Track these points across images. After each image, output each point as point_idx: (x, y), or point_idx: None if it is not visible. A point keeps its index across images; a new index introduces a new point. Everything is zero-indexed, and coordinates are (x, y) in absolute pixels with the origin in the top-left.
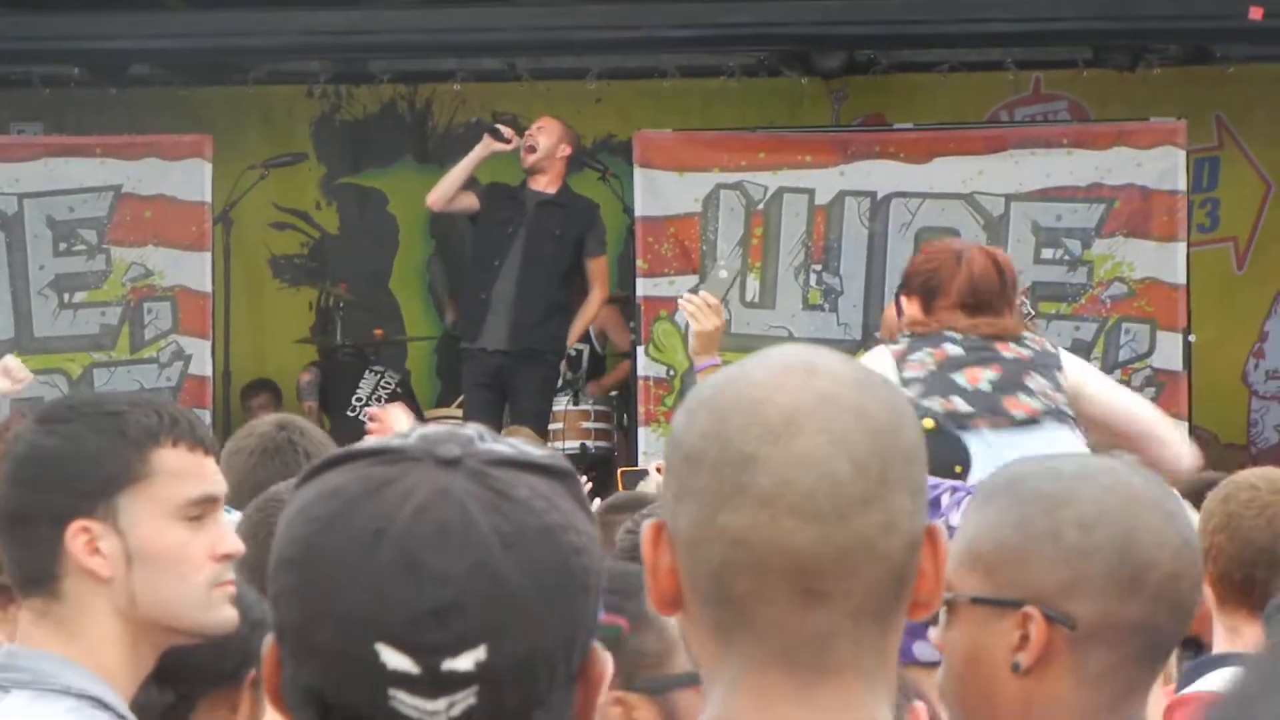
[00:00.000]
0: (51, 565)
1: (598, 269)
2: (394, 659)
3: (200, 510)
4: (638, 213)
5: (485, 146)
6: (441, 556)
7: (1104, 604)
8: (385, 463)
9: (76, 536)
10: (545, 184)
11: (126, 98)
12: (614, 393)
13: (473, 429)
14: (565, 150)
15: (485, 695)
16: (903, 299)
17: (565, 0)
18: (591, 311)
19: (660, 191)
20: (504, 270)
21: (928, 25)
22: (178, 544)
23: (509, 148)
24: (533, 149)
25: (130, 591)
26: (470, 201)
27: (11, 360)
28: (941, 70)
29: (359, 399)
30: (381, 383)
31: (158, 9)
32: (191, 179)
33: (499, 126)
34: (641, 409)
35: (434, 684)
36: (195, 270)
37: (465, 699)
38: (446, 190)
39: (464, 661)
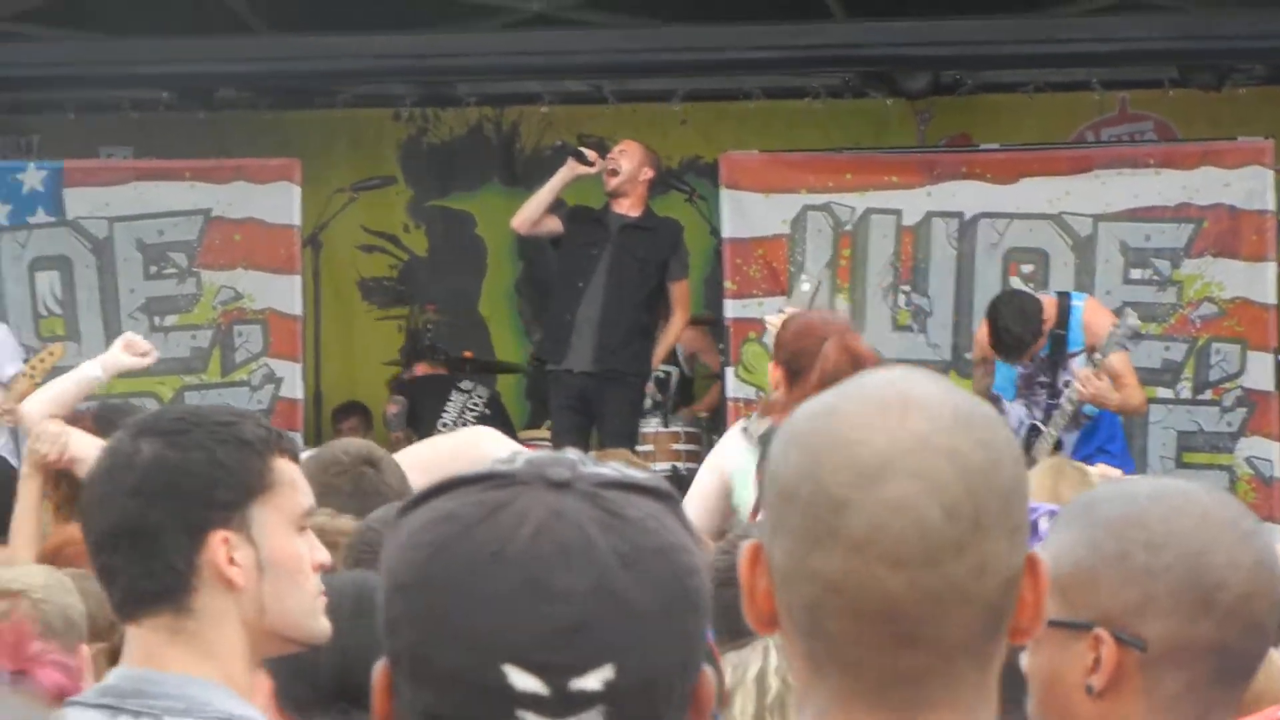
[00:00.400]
0: (184, 579)
1: (680, 292)
2: (522, 680)
3: (306, 521)
4: (725, 234)
5: (570, 170)
6: (564, 576)
7: (1174, 625)
8: (496, 487)
9: (219, 548)
10: (628, 207)
11: (215, 121)
12: (703, 414)
13: (574, 453)
14: (648, 173)
15: (611, 716)
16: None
17: (650, 23)
18: (674, 334)
19: (747, 213)
20: (588, 293)
21: (1014, 46)
22: (298, 554)
23: (593, 170)
24: (615, 172)
25: (260, 602)
26: (554, 224)
27: (132, 335)
28: (1027, 91)
29: (445, 423)
30: (469, 403)
31: (245, 33)
32: (280, 202)
33: (583, 150)
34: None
35: (562, 704)
36: (285, 293)
37: None
38: (532, 213)
39: (592, 681)
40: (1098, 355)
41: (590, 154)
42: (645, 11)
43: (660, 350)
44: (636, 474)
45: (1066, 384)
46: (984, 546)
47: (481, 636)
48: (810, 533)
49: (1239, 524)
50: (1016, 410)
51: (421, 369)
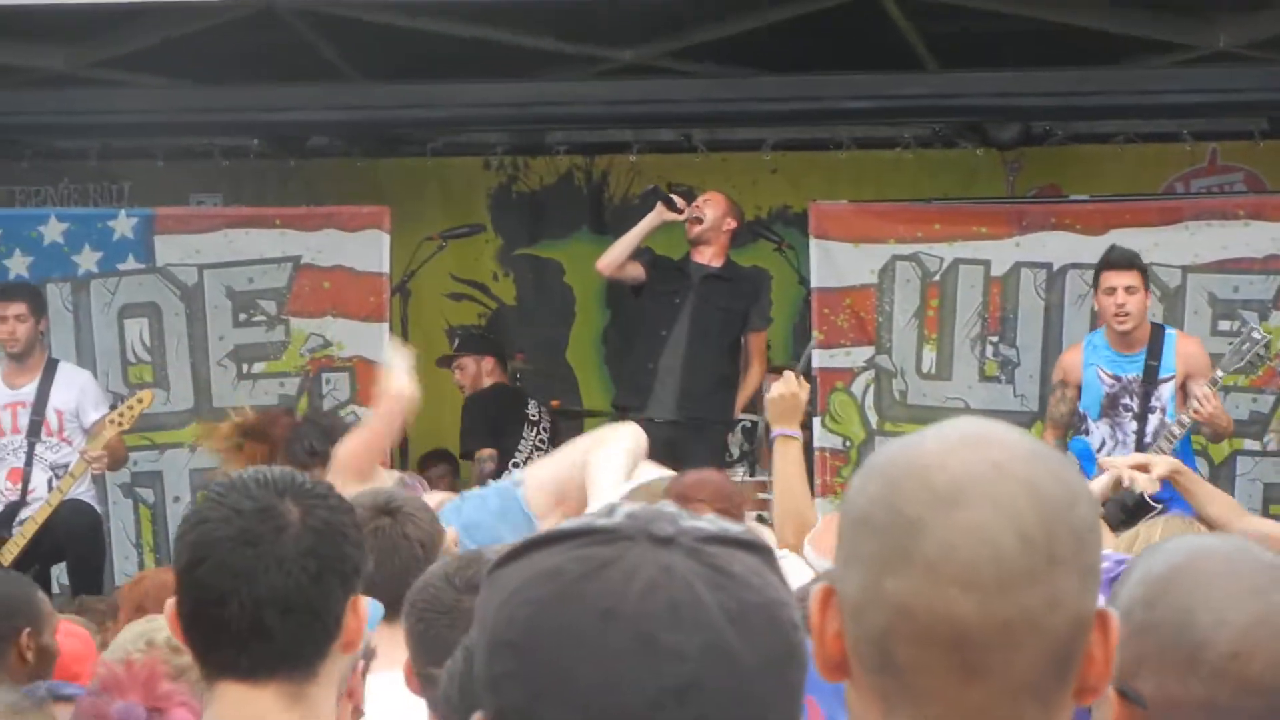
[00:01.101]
0: (329, 641)
1: (757, 344)
2: None
3: None
4: (813, 284)
5: (658, 215)
6: (675, 635)
7: (1165, 683)
8: (600, 542)
9: (356, 608)
10: (710, 256)
11: (305, 169)
12: None
13: (671, 506)
14: (730, 224)
15: None
16: None
17: (741, 72)
18: (752, 385)
19: (836, 263)
20: (670, 342)
21: (1104, 97)
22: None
23: (681, 217)
24: (699, 220)
25: (355, 659)
26: (637, 271)
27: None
28: (1117, 142)
29: (517, 463)
30: (538, 440)
31: (336, 81)
32: (370, 250)
33: (673, 196)
34: (818, 480)
35: None
36: (373, 341)
37: None
38: (617, 256)
39: None
40: (1219, 372)
41: (679, 200)
42: (736, 61)
43: (740, 400)
44: (733, 528)
45: (1151, 409)
46: (1056, 580)
47: (593, 696)
48: (884, 558)
49: (1250, 579)
50: (1100, 430)
51: (489, 370)
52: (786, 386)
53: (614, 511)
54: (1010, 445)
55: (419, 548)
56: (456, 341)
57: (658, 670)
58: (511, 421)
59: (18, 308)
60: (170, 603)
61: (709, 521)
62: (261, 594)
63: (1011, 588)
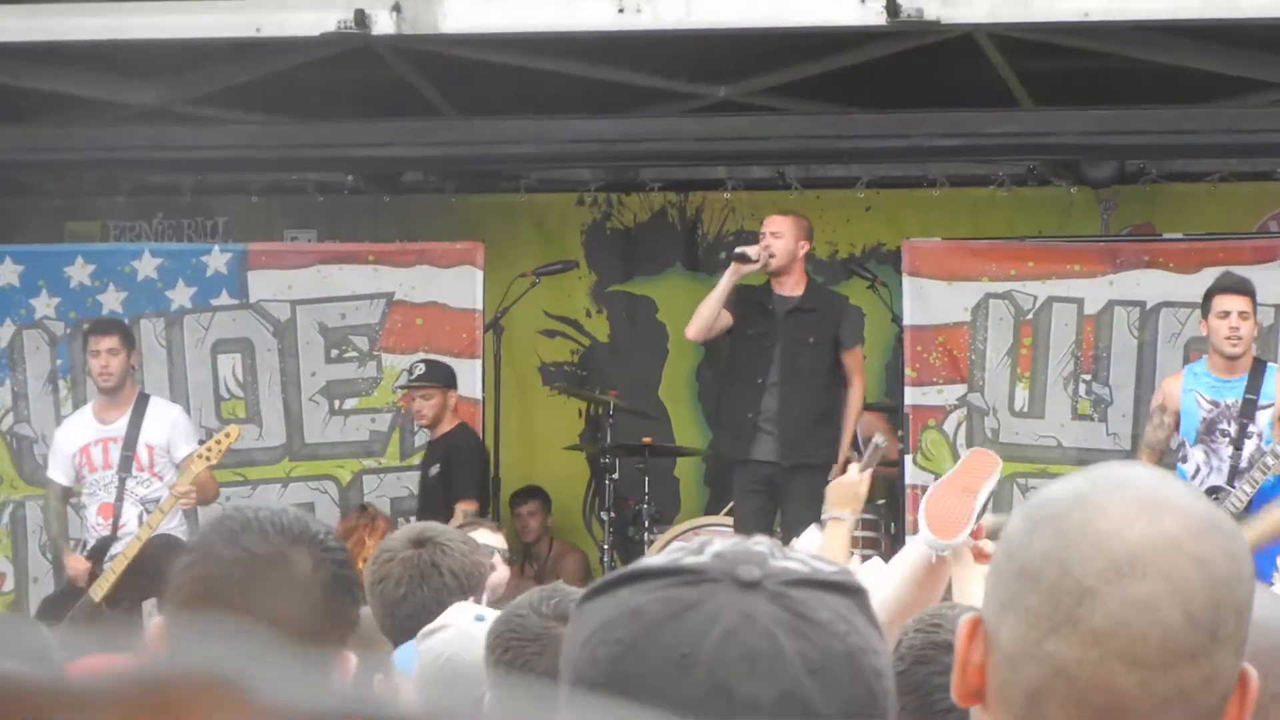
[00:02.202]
0: None
1: (854, 361)
2: None
3: None
4: (906, 321)
5: (734, 272)
6: (751, 684)
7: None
8: (686, 584)
9: (346, 662)
10: (790, 286)
11: (399, 205)
12: (881, 501)
13: (763, 543)
14: (804, 246)
15: None
16: None
17: (835, 109)
18: (855, 408)
19: (929, 300)
20: (767, 388)
21: (1198, 136)
22: None
23: (756, 267)
24: (773, 255)
25: None
26: (725, 320)
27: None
28: (1211, 180)
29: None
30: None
31: (431, 116)
32: (463, 286)
33: (745, 251)
34: (909, 518)
35: None
36: (466, 377)
37: None
38: (705, 321)
39: None
40: None
41: (753, 251)
42: (830, 98)
43: (848, 431)
44: (825, 568)
45: (1248, 435)
46: (1215, 657)
47: None
48: (1049, 617)
49: None
50: (1196, 456)
51: (453, 406)
52: (849, 477)
53: (704, 549)
54: (1185, 514)
55: (450, 576)
56: (421, 369)
57: (731, 719)
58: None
59: (110, 341)
60: (158, 625)
61: (801, 561)
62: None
63: (1174, 665)
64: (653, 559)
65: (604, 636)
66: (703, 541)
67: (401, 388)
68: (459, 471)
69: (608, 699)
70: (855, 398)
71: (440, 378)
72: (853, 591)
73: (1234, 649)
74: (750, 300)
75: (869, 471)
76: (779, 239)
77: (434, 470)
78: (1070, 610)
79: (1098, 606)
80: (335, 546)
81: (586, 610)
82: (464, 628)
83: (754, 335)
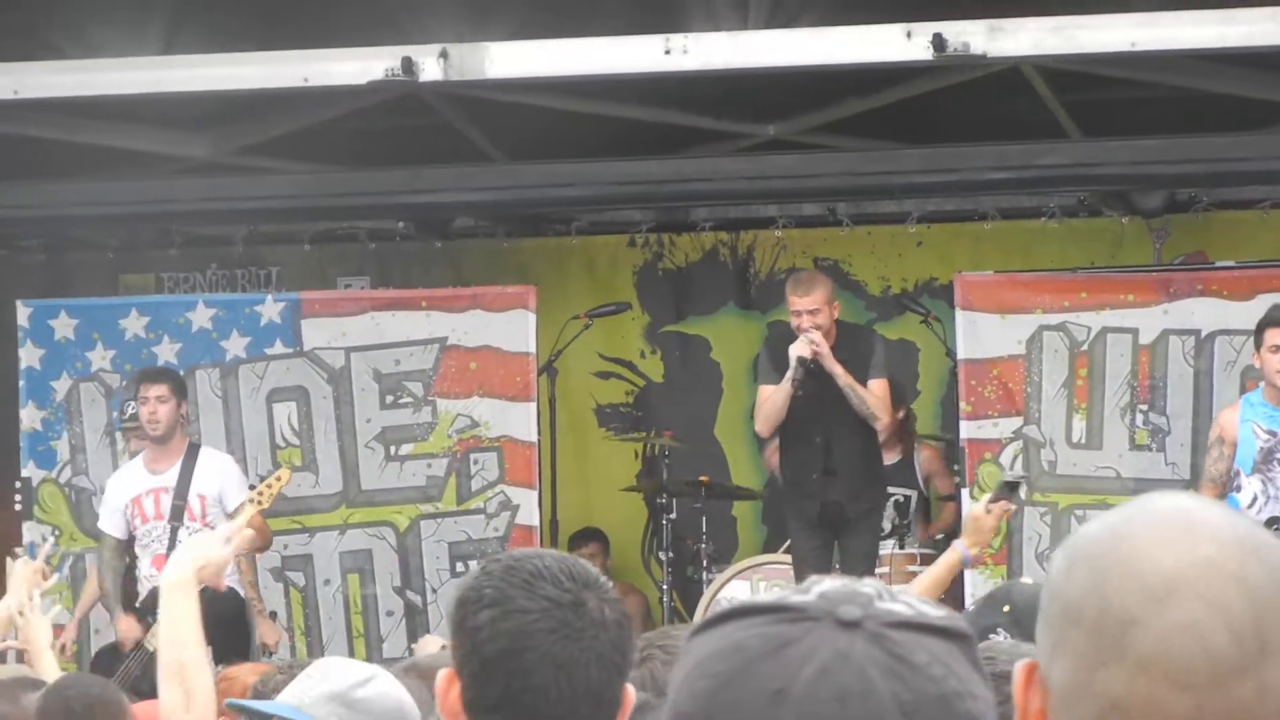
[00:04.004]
0: None
1: (880, 393)
2: None
3: None
4: (960, 355)
5: (790, 383)
6: None
7: None
8: (787, 621)
9: (627, 693)
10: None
11: (450, 250)
12: (939, 536)
13: (872, 585)
14: (836, 306)
15: None
16: None
17: (884, 145)
18: (884, 436)
19: (982, 334)
20: (823, 447)
21: (1249, 163)
22: None
23: (816, 352)
24: (817, 347)
25: None
26: (787, 397)
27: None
28: (1263, 207)
29: None
30: None
31: (481, 162)
32: (516, 330)
33: (801, 359)
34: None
35: None
36: (521, 420)
37: None
38: (772, 419)
39: None
40: None
41: (808, 352)
42: (879, 133)
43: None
44: (931, 612)
45: None
46: (1266, 671)
47: None
48: (1096, 651)
49: None
50: (1252, 486)
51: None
52: (978, 509)
53: (811, 588)
54: (1220, 535)
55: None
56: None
57: None
58: None
59: (159, 389)
60: (447, 676)
61: (906, 604)
62: (579, 688)
63: (1224, 683)
64: (760, 596)
65: (704, 670)
66: (812, 580)
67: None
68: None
69: None
70: (882, 428)
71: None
72: (957, 637)
73: None
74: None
75: (998, 505)
76: (817, 316)
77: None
78: (1115, 642)
79: (1141, 635)
80: (610, 587)
81: (694, 645)
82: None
83: (804, 398)
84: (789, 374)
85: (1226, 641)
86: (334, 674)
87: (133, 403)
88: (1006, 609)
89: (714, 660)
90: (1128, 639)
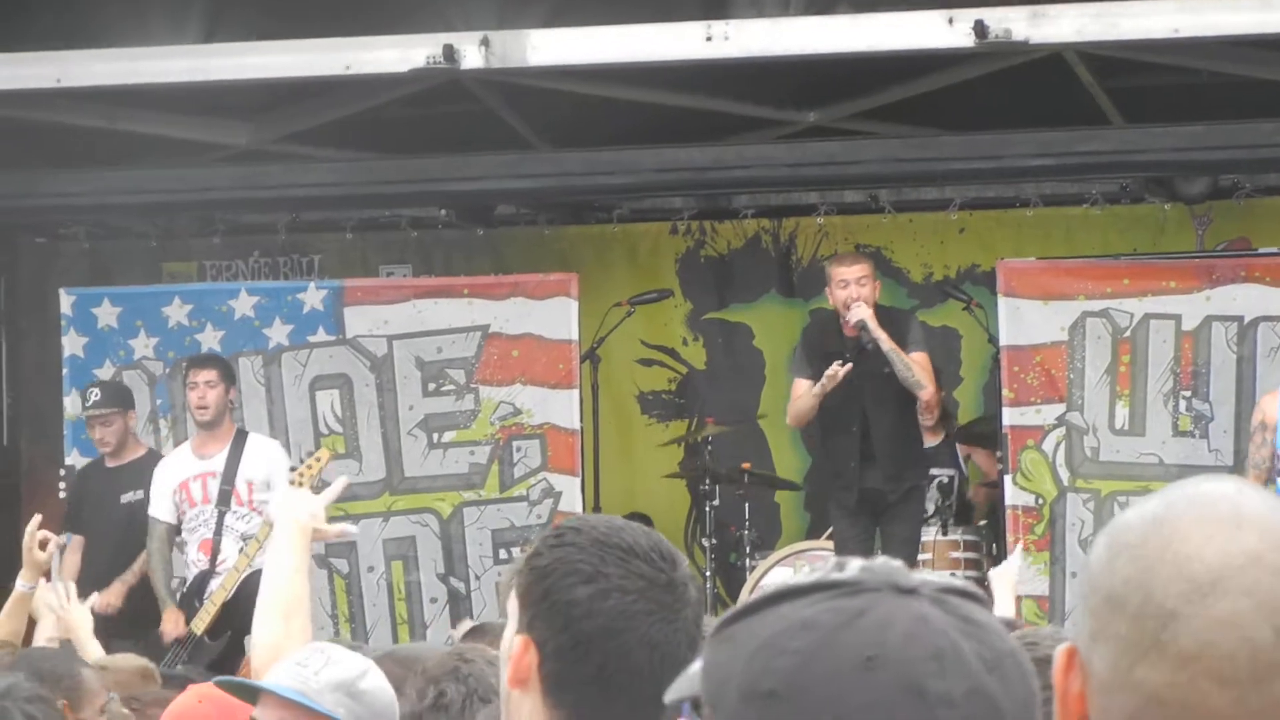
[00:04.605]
0: None
1: (923, 365)
2: None
3: None
4: (1003, 342)
5: (830, 379)
6: (941, 681)
7: None
8: (846, 594)
9: None
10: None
11: (493, 238)
12: (982, 522)
13: (893, 561)
14: (878, 286)
15: None
16: None
17: (925, 132)
18: (930, 409)
19: (1025, 320)
20: (861, 434)
21: None
22: None
23: (874, 337)
24: (865, 325)
25: None
26: (821, 390)
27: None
28: None
29: None
30: None
31: (523, 150)
32: (558, 317)
33: (864, 339)
34: (1010, 538)
35: None
36: (564, 408)
37: None
38: (802, 417)
39: None
40: None
41: (868, 313)
42: (921, 120)
43: (926, 423)
44: (955, 581)
45: None
46: None
47: None
48: (1137, 645)
49: None
50: None
51: (133, 426)
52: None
53: (844, 566)
54: (1266, 525)
55: None
56: (97, 395)
57: (930, 715)
58: None
59: (208, 374)
60: (522, 642)
61: (934, 575)
62: (670, 668)
63: (1266, 680)
64: (796, 580)
65: (778, 648)
66: (839, 561)
67: (80, 417)
68: None
69: (794, 702)
70: (928, 398)
71: (118, 400)
72: (985, 601)
73: None
74: (827, 351)
75: None
76: (864, 287)
77: (135, 495)
78: (1156, 635)
79: (1182, 629)
80: (687, 562)
81: (737, 631)
82: None
83: (839, 386)
84: (822, 381)
85: (1270, 638)
86: (338, 662)
87: (96, 390)
88: None
89: (785, 639)
90: (1169, 632)
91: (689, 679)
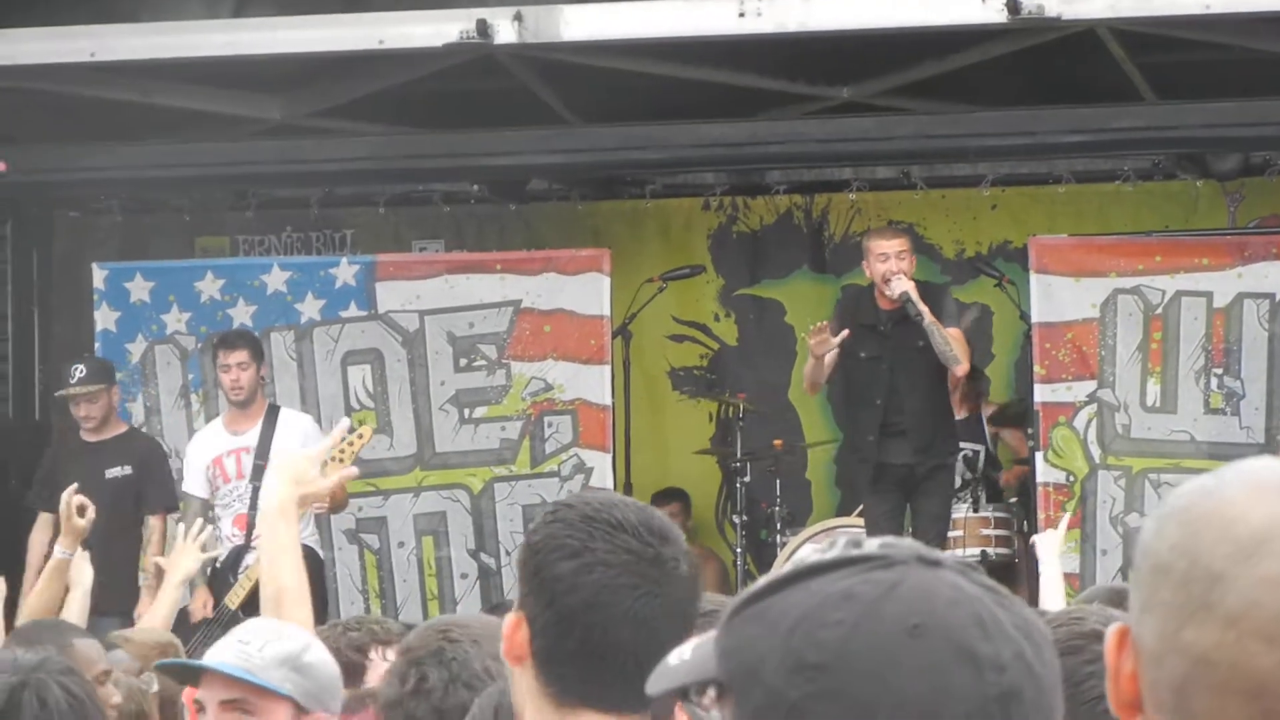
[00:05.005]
0: None
1: (956, 340)
2: None
3: None
4: (1034, 319)
5: (821, 344)
6: (989, 644)
7: None
8: (879, 568)
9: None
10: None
11: (525, 213)
12: (1013, 499)
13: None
14: (914, 260)
15: None
16: None
17: (959, 108)
18: (961, 382)
19: (1056, 297)
20: (887, 405)
21: None
22: None
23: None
24: (907, 295)
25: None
26: (834, 358)
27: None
28: None
29: None
30: None
31: (556, 125)
32: (590, 293)
33: (905, 292)
34: (1041, 515)
35: None
36: (595, 383)
37: None
38: (816, 380)
39: None
40: None
41: (911, 285)
42: (953, 96)
43: (956, 399)
44: (965, 558)
45: None
46: None
47: (918, 705)
48: (1184, 607)
49: None
50: None
51: (117, 403)
52: None
53: (861, 544)
54: None
55: None
56: (81, 371)
57: (981, 679)
58: None
59: (239, 355)
60: (514, 620)
61: (941, 552)
62: (656, 643)
63: None
64: (818, 557)
65: (819, 621)
66: (850, 539)
67: (63, 394)
68: (153, 483)
69: (842, 673)
70: (960, 373)
71: (103, 376)
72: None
73: None
74: (861, 323)
75: None
76: (904, 260)
77: (123, 471)
78: (1203, 597)
79: (1229, 590)
80: (683, 537)
81: (766, 609)
82: None
83: (867, 359)
84: (825, 344)
85: None
86: (281, 637)
87: (80, 367)
88: None
89: (826, 611)
90: (1215, 594)
91: (691, 666)
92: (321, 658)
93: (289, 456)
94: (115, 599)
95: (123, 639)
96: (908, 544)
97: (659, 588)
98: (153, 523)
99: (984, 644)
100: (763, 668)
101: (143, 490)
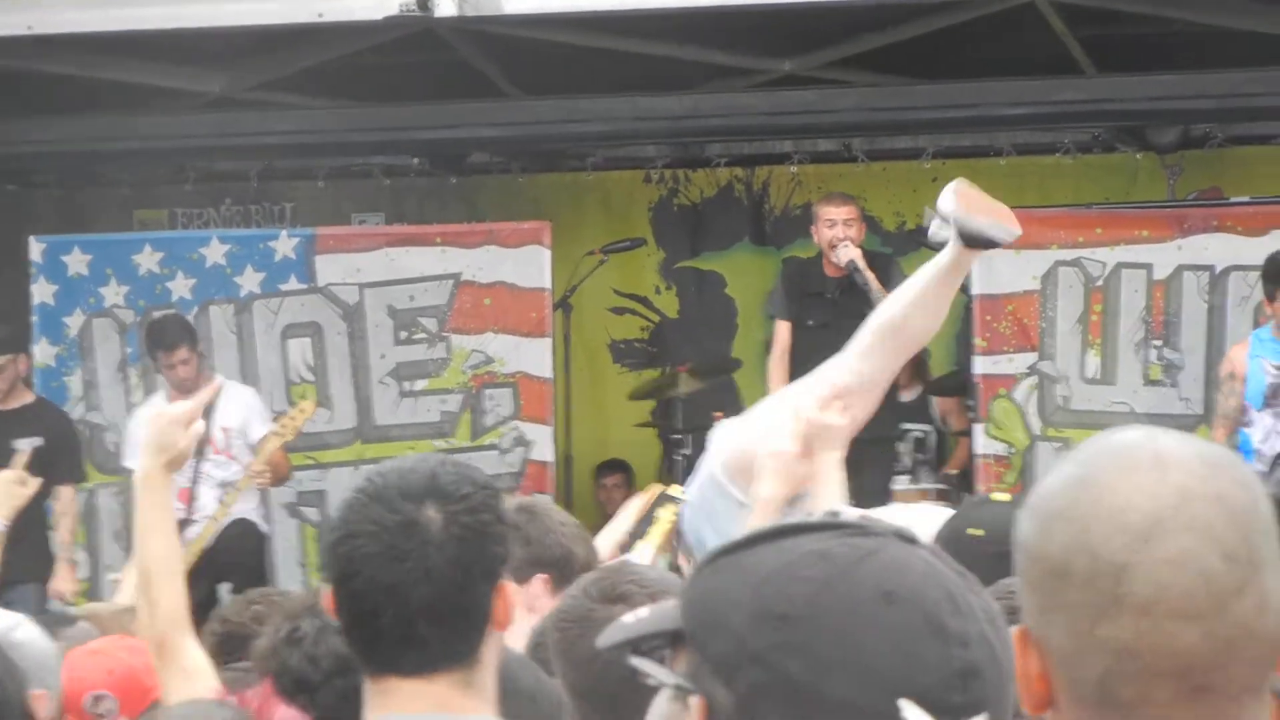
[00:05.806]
0: (482, 633)
1: None
2: (916, 716)
3: None
4: (975, 291)
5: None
6: (959, 621)
7: None
8: (858, 535)
9: (504, 593)
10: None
11: (465, 186)
12: (954, 471)
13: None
14: (863, 228)
15: None
16: None
17: (899, 81)
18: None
19: (997, 269)
20: None
21: (1263, 99)
22: None
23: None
24: (855, 262)
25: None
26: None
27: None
28: (1278, 143)
29: None
30: None
31: (496, 97)
32: (531, 266)
33: (852, 260)
34: (981, 487)
35: None
36: (535, 356)
37: None
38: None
39: None
40: None
41: (857, 253)
42: (895, 69)
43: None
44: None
45: None
46: (1261, 584)
47: (885, 670)
48: (1094, 604)
49: None
50: (1263, 422)
51: (24, 373)
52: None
53: (839, 515)
54: (1185, 461)
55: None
56: None
57: (947, 653)
58: None
59: (181, 353)
60: (328, 597)
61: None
62: (413, 607)
63: (1226, 605)
64: (805, 518)
65: (792, 575)
66: (833, 510)
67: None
68: (61, 453)
69: (809, 627)
70: None
71: (10, 345)
72: None
73: (1274, 567)
74: (808, 291)
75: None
76: (850, 228)
77: (35, 442)
78: (1112, 591)
79: (1135, 578)
80: (469, 493)
81: (741, 560)
82: None
83: (815, 327)
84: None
85: (1220, 564)
86: None
87: None
88: (980, 532)
89: (802, 566)
90: (1123, 586)
91: (649, 620)
92: (31, 636)
93: (150, 426)
94: (26, 568)
95: (88, 615)
96: (887, 522)
97: (405, 554)
98: (62, 493)
99: (954, 619)
100: (729, 617)
101: (53, 460)
